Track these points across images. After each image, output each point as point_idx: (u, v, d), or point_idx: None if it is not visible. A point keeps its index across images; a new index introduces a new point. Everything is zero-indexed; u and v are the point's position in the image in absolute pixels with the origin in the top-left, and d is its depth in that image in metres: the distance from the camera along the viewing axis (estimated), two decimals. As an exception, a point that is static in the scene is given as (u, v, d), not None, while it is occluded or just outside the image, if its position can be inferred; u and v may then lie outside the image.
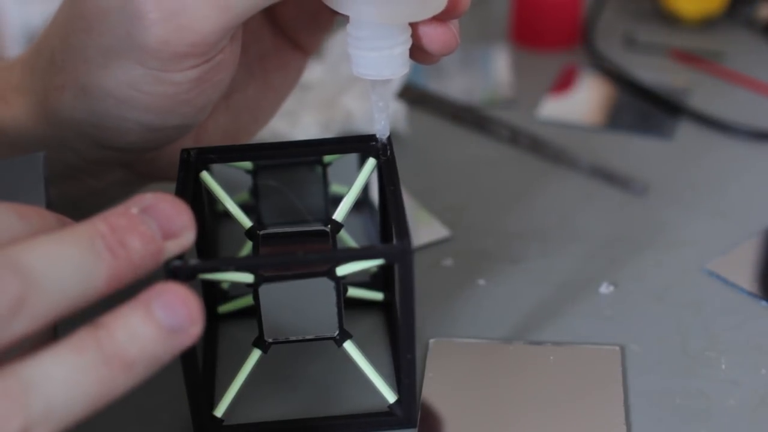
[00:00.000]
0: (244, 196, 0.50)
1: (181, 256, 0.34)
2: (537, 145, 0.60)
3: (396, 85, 0.61)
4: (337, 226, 0.41)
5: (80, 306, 0.29)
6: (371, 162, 0.42)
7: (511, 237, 0.52)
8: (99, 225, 0.30)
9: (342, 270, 0.38)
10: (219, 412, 0.40)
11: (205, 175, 0.42)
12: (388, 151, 0.41)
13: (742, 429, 0.41)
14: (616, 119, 0.64)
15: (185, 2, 0.35)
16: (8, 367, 0.28)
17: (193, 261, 0.35)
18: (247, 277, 0.38)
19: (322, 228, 0.41)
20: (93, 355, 0.29)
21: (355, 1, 0.37)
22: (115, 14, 0.37)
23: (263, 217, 0.47)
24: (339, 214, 0.41)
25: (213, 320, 0.46)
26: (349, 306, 0.40)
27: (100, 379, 0.28)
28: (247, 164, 0.46)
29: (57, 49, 0.40)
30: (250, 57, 0.45)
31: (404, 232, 0.36)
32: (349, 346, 0.40)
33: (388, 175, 0.40)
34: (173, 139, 0.42)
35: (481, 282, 0.49)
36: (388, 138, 0.41)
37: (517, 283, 0.49)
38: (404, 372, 0.39)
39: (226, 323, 0.47)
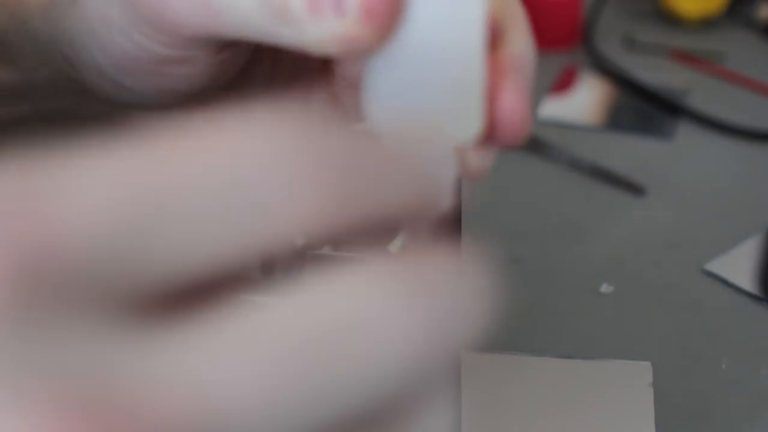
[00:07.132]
0: None
1: None
2: (537, 145, 0.60)
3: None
4: None
5: None
6: None
7: (511, 237, 0.52)
8: None
9: None
10: None
11: None
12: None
13: (742, 429, 0.41)
14: (616, 119, 0.64)
15: None
16: None
17: None
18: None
19: None
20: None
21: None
22: None
23: None
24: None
25: None
26: None
27: None
28: None
29: None
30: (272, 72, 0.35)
31: None
32: None
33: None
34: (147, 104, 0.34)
35: (481, 282, 0.49)
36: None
37: (516, 283, 0.49)
38: None
39: None
